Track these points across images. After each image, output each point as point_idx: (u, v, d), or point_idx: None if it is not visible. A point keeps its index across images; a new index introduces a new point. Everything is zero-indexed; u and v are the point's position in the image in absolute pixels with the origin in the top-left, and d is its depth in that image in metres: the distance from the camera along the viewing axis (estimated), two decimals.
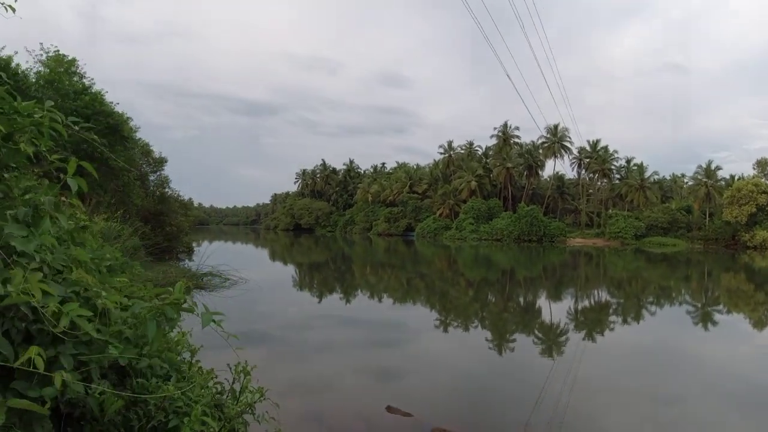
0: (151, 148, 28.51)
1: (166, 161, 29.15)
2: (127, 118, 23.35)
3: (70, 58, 18.98)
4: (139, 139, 27.19)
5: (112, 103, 19.62)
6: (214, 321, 2.37)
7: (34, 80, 18.07)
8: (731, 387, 7.89)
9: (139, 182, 26.52)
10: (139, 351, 2.57)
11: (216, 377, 3.37)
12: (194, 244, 30.47)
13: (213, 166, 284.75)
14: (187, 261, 23.79)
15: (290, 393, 7.02)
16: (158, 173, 29.23)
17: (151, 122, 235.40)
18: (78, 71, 19.14)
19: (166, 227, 25.70)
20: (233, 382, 3.31)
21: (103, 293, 2.42)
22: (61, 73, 18.34)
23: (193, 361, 3.42)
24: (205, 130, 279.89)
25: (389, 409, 5.99)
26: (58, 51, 18.80)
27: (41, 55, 18.66)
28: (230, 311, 12.24)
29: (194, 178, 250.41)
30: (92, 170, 2.71)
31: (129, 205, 20.87)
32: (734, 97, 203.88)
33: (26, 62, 18.37)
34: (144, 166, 28.02)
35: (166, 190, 29.07)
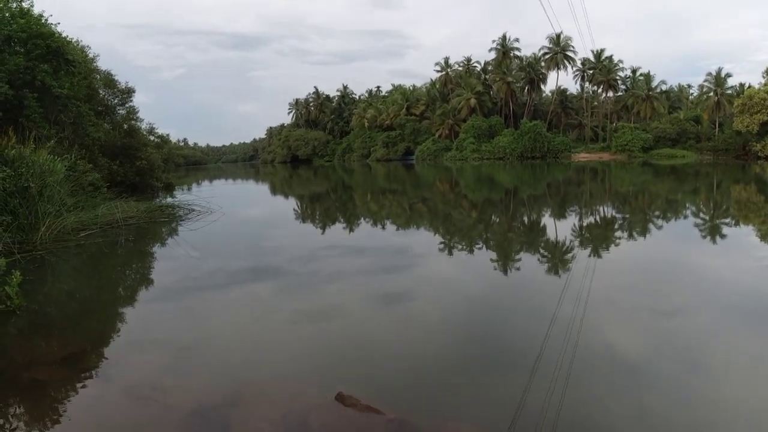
0: (114, 77, 26.68)
1: (133, 91, 27.48)
2: (82, 45, 22.40)
3: None
4: (99, 68, 25.49)
5: (53, 24, 17.97)
6: None
7: None
8: (736, 299, 7.67)
9: (107, 116, 25.26)
10: None
11: None
12: (194, 185, 29.66)
13: (206, 104, 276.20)
14: (169, 198, 23.29)
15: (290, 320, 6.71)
16: (126, 105, 27.77)
17: (137, 65, 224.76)
18: None
19: (136, 162, 24.75)
20: None
21: None
22: None
23: None
24: (194, 68, 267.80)
25: (340, 397, 4.36)
26: None
27: None
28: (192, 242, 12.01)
29: (187, 118, 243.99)
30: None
31: (85, 139, 19.75)
32: (739, 8, 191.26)
33: None
34: (109, 97, 26.50)
35: (134, 122, 27.77)
